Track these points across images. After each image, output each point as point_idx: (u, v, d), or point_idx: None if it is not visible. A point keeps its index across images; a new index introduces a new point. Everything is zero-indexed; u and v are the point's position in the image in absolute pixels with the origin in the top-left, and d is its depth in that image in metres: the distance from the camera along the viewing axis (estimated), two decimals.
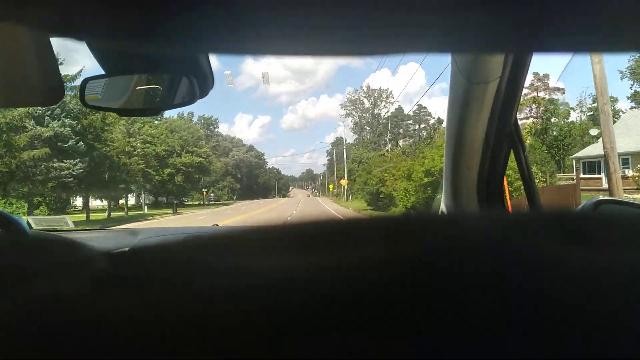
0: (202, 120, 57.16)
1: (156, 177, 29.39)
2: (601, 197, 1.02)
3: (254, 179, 74.98)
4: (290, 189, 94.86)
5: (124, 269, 0.19)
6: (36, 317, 0.15)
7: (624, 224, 0.21)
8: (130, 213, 24.94)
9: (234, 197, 59.43)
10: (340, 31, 0.22)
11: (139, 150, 25.76)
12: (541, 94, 31.32)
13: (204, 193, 38.19)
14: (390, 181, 17.57)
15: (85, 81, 0.94)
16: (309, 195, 74.13)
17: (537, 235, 0.19)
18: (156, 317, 0.15)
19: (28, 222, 2.82)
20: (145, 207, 29.75)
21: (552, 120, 30.73)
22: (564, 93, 32.66)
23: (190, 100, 0.93)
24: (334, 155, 50.17)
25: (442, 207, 1.27)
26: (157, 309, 0.15)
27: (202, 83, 0.92)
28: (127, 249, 1.49)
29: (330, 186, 49.85)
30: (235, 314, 0.14)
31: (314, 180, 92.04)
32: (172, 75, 0.98)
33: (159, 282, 0.17)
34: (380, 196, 19.28)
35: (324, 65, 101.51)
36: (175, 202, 33.52)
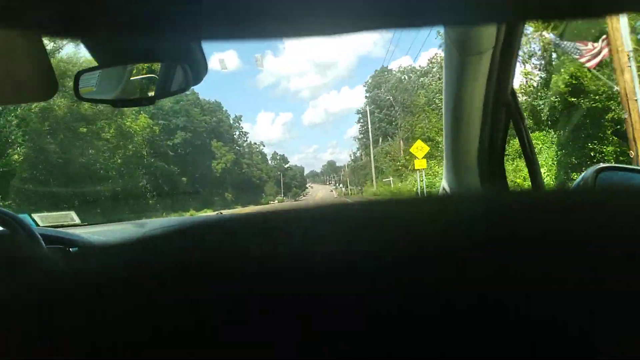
0: None
1: None
2: (602, 165, 1.03)
3: (192, 167, 30.19)
4: (308, 185, 72.86)
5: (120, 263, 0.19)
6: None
7: (621, 194, 0.21)
8: None
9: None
10: (327, 6, 0.21)
11: None
12: None
13: None
14: None
15: (79, 74, 0.95)
16: (332, 191, 56.10)
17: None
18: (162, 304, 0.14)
19: (34, 220, 2.85)
20: None
21: None
22: None
23: (185, 87, 0.94)
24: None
25: (444, 183, 1.27)
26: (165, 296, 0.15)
27: (196, 70, 0.93)
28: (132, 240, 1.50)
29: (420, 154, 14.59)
30: (256, 298, 0.14)
31: (337, 173, 76.63)
32: (166, 64, 0.98)
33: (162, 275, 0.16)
34: None
35: (343, 57, 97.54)
36: None
